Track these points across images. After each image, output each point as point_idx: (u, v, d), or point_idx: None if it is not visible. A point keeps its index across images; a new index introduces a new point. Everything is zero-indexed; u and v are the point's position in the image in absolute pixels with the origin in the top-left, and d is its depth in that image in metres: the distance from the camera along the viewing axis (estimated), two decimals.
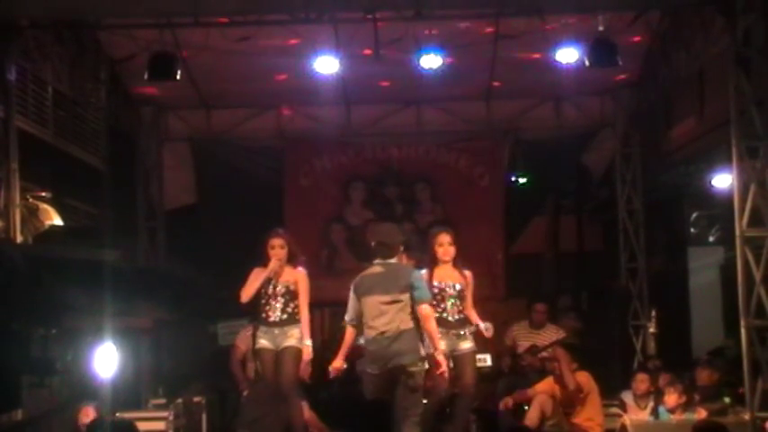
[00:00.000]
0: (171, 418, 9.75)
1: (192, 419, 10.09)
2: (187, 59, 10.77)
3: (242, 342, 10.25)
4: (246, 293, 8.43)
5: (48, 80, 10.05)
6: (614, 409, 9.83)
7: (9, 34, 9.12)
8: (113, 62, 11.29)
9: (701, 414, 8.98)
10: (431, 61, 10.45)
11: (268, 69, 11.58)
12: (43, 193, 9.67)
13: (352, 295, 8.13)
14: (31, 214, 9.32)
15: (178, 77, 10.12)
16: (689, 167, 12.32)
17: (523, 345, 10.87)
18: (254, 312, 8.75)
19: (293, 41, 10.66)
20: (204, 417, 10.26)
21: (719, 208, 12.09)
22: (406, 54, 10.69)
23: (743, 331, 8.97)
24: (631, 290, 12.61)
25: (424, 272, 8.46)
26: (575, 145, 13.23)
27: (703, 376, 10.03)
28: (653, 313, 9.47)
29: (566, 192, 14.42)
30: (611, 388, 10.30)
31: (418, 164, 13.28)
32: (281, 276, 8.52)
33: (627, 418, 9.22)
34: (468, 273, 8.52)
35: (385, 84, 12.11)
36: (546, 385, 9.76)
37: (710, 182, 12.18)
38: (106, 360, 8.83)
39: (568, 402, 9.58)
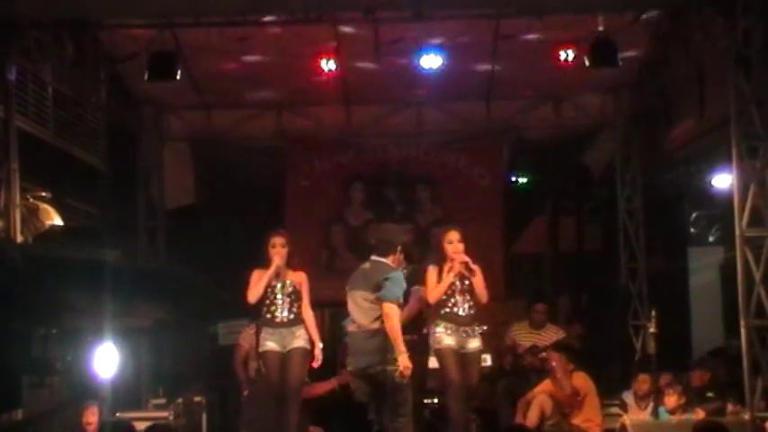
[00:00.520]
0: (171, 417, 9.76)
1: (192, 419, 10.09)
2: (187, 59, 10.77)
3: (245, 341, 10.26)
4: (254, 294, 8.46)
5: (48, 80, 10.06)
6: (614, 410, 9.85)
7: (9, 34, 9.12)
8: (113, 62, 11.28)
9: (700, 414, 8.99)
10: (431, 61, 10.47)
11: (268, 69, 11.58)
12: (43, 193, 9.67)
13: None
14: (32, 214, 9.32)
15: (178, 77, 10.13)
16: (689, 167, 12.33)
17: (523, 345, 10.88)
18: (255, 312, 8.77)
19: (293, 42, 10.66)
20: (204, 416, 10.26)
21: (719, 208, 12.10)
22: (406, 54, 10.70)
23: (743, 331, 8.97)
24: (631, 290, 12.60)
25: (431, 267, 8.52)
26: (575, 145, 13.22)
27: (696, 377, 10.05)
28: (653, 313, 9.44)
29: (566, 192, 14.44)
30: (611, 388, 10.32)
31: (418, 164, 13.27)
32: (285, 277, 8.55)
33: (627, 418, 9.22)
34: (475, 267, 8.58)
35: (385, 84, 12.11)
36: (545, 386, 9.77)
37: (710, 182, 12.18)
38: (106, 360, 8.83)
39: (566, 405, 9.60)
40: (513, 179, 13.44)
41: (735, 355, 10.16)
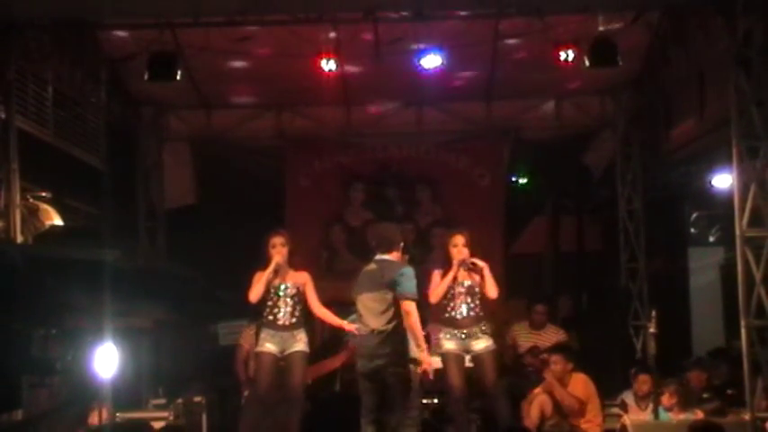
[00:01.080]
0: (171, 418, 9.75)
1: (192, 419, 10.07)
2: (187, 59, 10.76)
3: (246, 341, 10.25)
4: (255, 293, 8.47)
5: (48, 80, 10.05)
6: (615, 410, 9.85)
7: (9, 34, 9.11)
8: (113, 62, 11.28)
9: (700, 415, 8.99)
10: (431, 61, 10.46)
11: (268, 70, 11.58)
12: (43, 194, 9.67)
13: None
14: (32, 214, 9.31)
15: (178, 77, 10.13)
16: (689, 167, 12.32)
17: (524, 345, 10.87)
18: (255, 313, 8.76)
19: (293, 42, 10.65)
20: (204, 417, 10.24)
21: (720, 208, 12.10)
22: (406, 54, 10.69)
23: (743, 331, 8.97)
24: (631, 290, 12.60)
25: (437, 271, 8.53)
26: (575, 145, 13.23)
27: (693, 377, 10.05)
28: (653, 313, 9.44)
29: (566, 192, 14.43)
30: (612, 388, 10.31)
31: (418, 164, 13.27)
32: (287, 277, 8.55)
33: (627, 419, 9.22)
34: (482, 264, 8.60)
35: (385, 84, 12.11)
36: (544, 387, 9.77)
37: (711, 182, 12.18)
38: (106, 360, 8.81)
39: (569, 413, 9.61)
40: (514, 179, 13.44)
41: (735, 355, 10.17)
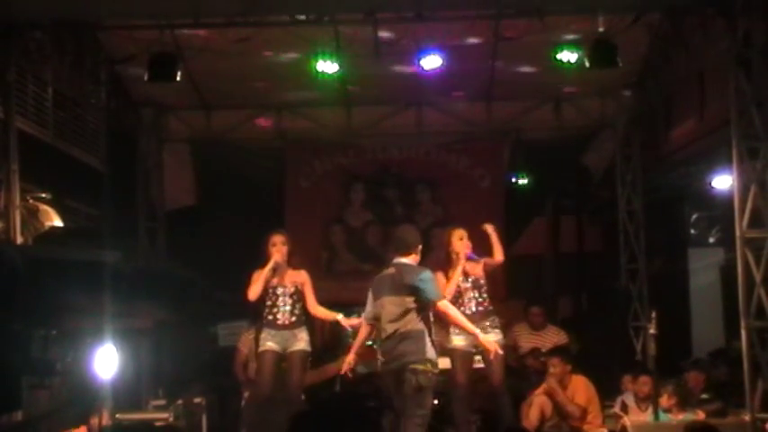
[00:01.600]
0: (171, 419, 9.74)
1: (192, 420, 10.08)
2: (187, 60, 10.76)
3: (244, 345, 10.27)
4: (253, 291, 8.49)
5: (48, 81, 10.04)
6: (614, 411, 9.85)
7: (9, 35, 9.11)
8: (113, 63, 11.28)
9: (701, 416, 8.99)
10: (431, 62, 10.46)
11: (268, 70, 11.58)
12: (43, 195, 9.66)
13: (369, 294, 8.16)
14: (31, 215, 9.31)
15: (178, 78, 10.12)
16: (689, 168, 12.32)
17: (525, 346, 10.88)
18: (255, 314, 8.77)
19: (293, 42, 10.66)
20: (204, 418, 10.25)
21: (720, 209, 12.10)
22: (406, 55, 10.69)
23: (743, 332, 8.97)
24: (631, 291, 12.60)
25: (439, 274, 8.56)
26: (575, 146, 13.23)
27: (691, 378, 10.05)
28: (653, 314, 9.45)
29: (566, 192, 14.44)
30: (611, 389, 10.31)
31: (418, 165, 13.28)
32: (286, 277, 8.56)
33: (627, 419, 9.23)
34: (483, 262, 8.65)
35: (385, 85, 12.11)
36: (543, 388, 9.77)
37: (711, 183, 12.19)
38: (106, 361, 8.81)
39: (571, 417, 9.62)
40: (514, 180, 13.44)
41: (735, 356, 10.17)
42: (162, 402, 10.39)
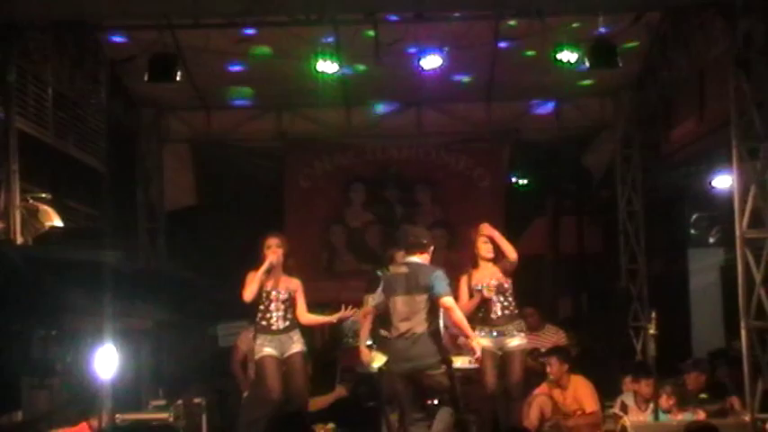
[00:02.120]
0: (171, 419, 9.74)
1: (192, 420, 10.07)
2: (187, 61, 10.76)
3: (243, 343, 10.27)
4: (249, 292, 8.49)
5: (48, 81, 10.04)
6: (614, 411, 9.85)
7: (9, 35, 9.11)
8: (113, 63, 11.28)
9: (701, 415, 9.00)
10: (431, 62, 10.46)
11: (268, 71, 11.58)
12: (43, 195, 9.65)
13: (379, 290, 8.24)
14: (31, 216, 9.30)
15: (178, 79, 10.12)
16: (689, 169, 12.32)
17: None
18: (255, 314, 8.77)
19: (293, 42, 10.66)
20: (204, 418, 10.24)
21: (720, 209, 12.08)
22: (406, 55, 10.69)
23: (743, 333, 8.97)
24: (631, 291, 12.60)
25: (463, 277, 8.57)
26: (575, 146, 13.23)
27: (691, 379, 10.05)
28: (653, 315, 9.45)
29: (566, 193, 14.43)
30: (611, 389, 10.31)
31: (418, 165, 13.27)
32: (279, 283, 8.57)
33: (627, 419, 9.22)
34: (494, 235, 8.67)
35: (385, 85, 12.11)
36: (542, 388, 9.77)
37: (711, 183, 12.18)
38: (106, 361, 8.81)
39: (568, 413, 9.61)
40: (514, 180, 13.43)
41: (734, 356, 10.16)
42: (162, 402, 10.37)
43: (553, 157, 13.17)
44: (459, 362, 9.24)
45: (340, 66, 10.61)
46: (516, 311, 8.76)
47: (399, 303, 8.02)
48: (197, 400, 10.18)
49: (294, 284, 8.66)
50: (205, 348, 12.25)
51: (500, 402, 8.89)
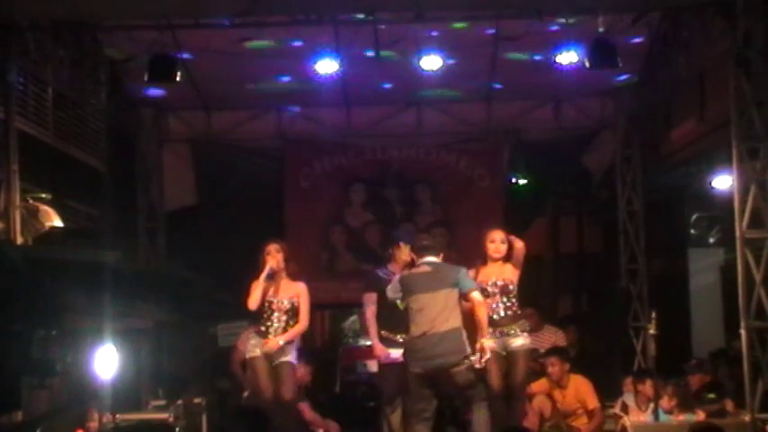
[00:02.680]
0: (171, 419, 9.75)
1: (192, 420, 10.08)
2: (187, 61, 10.76)
3: (243, 344, 10.26)
4: (253, 300, 8.50)
5: (48, 81, 10.04)
6: (614, 411, 9.86)
7: (9, 35, 9.11)
8: (113, 63, 11.28)
9: (701, 416, 9.00)
10: (431, 62, 10.46)
11: (268, 71, 11.58)
12: (43, 195, 9.66)
13: (397, 286, 8.27)
14: (31, 216, 9.30)
15: (178, 79, 10.12)
16: (689, 169, 12.32)
17: None
18: (256, 314, 8.76)
19: (293, 43, 10.66)
20: (204, 418, 10.25)
21: (720, 209, 12.09)
22: (406, 55, 10.70)
23: (743, 333, 8.97)
24: (631, 291, 12.60)
25: (470, 271, 8.57)
26: (575, 146, 13.21)
27: (695, 380, 10.06)
28: (653, 315, 9.46)
29: (566, 193, 14.43)
30: (611, 389, 10.32)
31: (418, 165, 13.26)
32: (281, 289, 8.55)
33: (627, 420, 9.24)
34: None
35: (385, 85, 12.11)
36: (541, 386, 9.78)
37: (711, 183, 12.18)
38: (106, 361, 8.83)
39: (568, 413, 9.62)
40: (514, 180, 13.43)
41: (734, 356, 10.17)
42: (162, 402, 10.38)
43: (553, 157, 13.16)
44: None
45: (340, 66, 10.61)
46: (519, 312, 8.75)
47: (426, 301, 8.05)
48: (197, 400, 10.19)
49: (297, 290, 8.64)
50: (205, 348, 12.26)
51: (519, 404, 8.90)
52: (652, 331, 9.31)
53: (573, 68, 10.44)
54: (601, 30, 9.68)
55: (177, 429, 9.39)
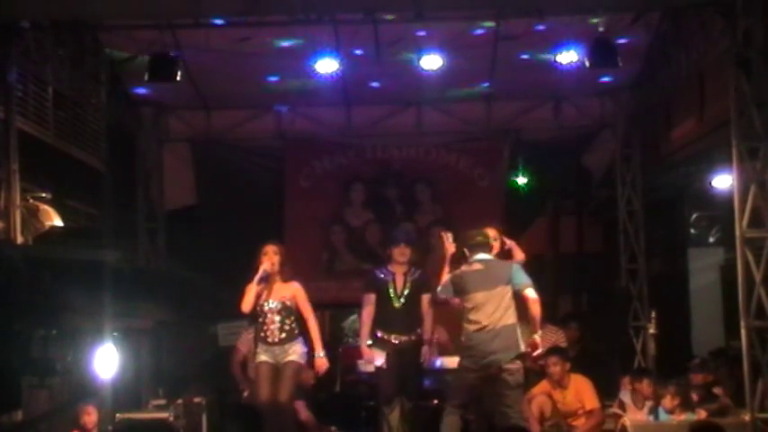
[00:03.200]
0: (171, 418, 9.76)
1: (192, 420, 10.08)
2: (187, 60, 10.76)
3: (243, 344, 10.29)
4: (246, 303, 8.49)
5: (48, 81, 10.04)
6: (614, 410, 9.86)
7: (9, 35, 9.11)
8: (113, 63, 11.28)
9: (701, 415, 9.01)
10: (431, 62, 10.46)
11: (268, 70, 11.58)
12: (43, 194, 9.66)
13: (449, 286, 8.27)
14: (32, 215, 9.30)
15: (178, 78, 10.12)
16: (689, 168, 12.31)
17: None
18: (254, 316, 8.76)
19: (293, 42, 10.66)
20: (204, 417, 10.26)
21: (720, 209, 12.09)
22: (406, 55, 10.70)
23: (743, 332, 8.97)
24: (631, 291, 12.60)
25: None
26: (575, 146, 13.22)
27: (697, 379, 10.07)
28: (653, 314, 9.47)
29: (566, 193, 14.43)
30: (612, 389, 10.32)
31: (418, 165, 13.27)
32: (273, 292, 8.53)
33: (627, 419, 9.24)
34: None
35: (385, 85, 12.11)
36: (541, 387, 9.78)
37: (711, 183, 12.18)
38: (106, 361, 8.83)
39: (568, 413, 9.62)
40: (514, 180, 13.43)
41: (733, 355, 10.17)
42: (162, 402, 10.39)
43: (553, 157, 13.17)
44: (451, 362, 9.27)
45: (340, 65, 10.61)
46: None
47: (482, 298, 8.07)
48: (197, 400, 10.20)
49: (291, 291, 8.59)
50: (205, 348, 12.26)
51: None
52: (652, 331, 9.32)
53: (573, 68, 10.44)
54: (601, 29, 9.68)
55: (180, 430, 9.40)
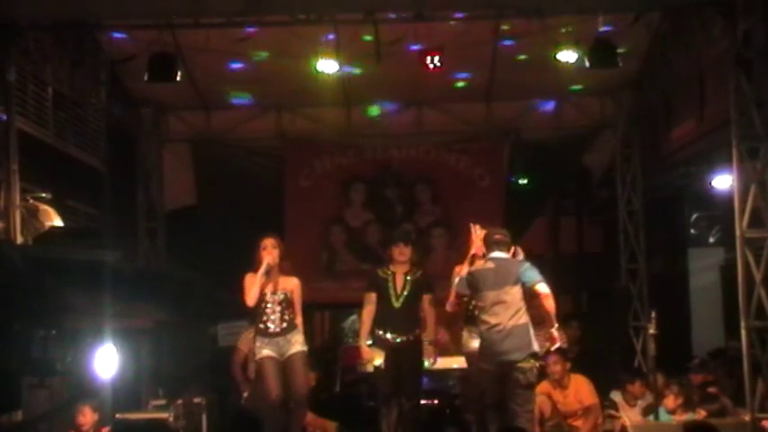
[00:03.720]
0: (171, 418, 9.75)
1: (192, 420, 10.08)
2: (187, 60, 10.76)
3: (243, 344, 10.26)
4: (252, 296, 8.46)
5: (48, 81, 10.05)
6: (612, 411, 9.87)
7: (9, 35, 9.11)
8: (113, 63, 11.28)
9: (701, 415, 9.01)
10: (431, 62, 10.46)
11: (268, 70, 11.58)
12: (43, 195, 9.66)
13: (464, 283, 8.23)
14: (32, 215, 9.30)
15: (178, 78, 10.12)
16: (689, 168, 12.31)
17: None
18: (254, 316, 8.76)
19: (293, 42, 10.66)
20: (204, 417, 10.26)
21: (720, 209, 12.08)
22: (406, 55, 10.69)
23: (743, 332, 8.97)
24: (631, 291, 12.61)
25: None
26: (575, 146, 13.23)
27: (698, 379, 10.07)
28: (653, 314, 9.46)
29: (566, 193, 14.43)
30: (611, 389, 10.32)
31: (418, 165, 13.27)
32: (278, 284, 8.54)
33: (627, 419, 9.25)
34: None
35: (385, 84, 12.10)
36: (542, 388, 9.77)
37: (711, 183, 12.17)
38: (106, 361, 8.82)
39: (569, 413, 9.63)
40: (514, 180, 13.44)
41: (733, 355, 10.17)
42: (162, 402, 10.39)
43: (553, 157, 13.17)
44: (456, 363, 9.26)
45: (340, 66, 10.61)
46: None
47: (493, 297, 8.04)
48: (197, 400, 10.20)
49: (291, 284, 8.61)
50: (205, 348, 12.25)
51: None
52: (652, 331, 9.31)
53: (572, 68, 10.44)
54: (601, 30, 9.68)
55: (180, 430, 9.40)
